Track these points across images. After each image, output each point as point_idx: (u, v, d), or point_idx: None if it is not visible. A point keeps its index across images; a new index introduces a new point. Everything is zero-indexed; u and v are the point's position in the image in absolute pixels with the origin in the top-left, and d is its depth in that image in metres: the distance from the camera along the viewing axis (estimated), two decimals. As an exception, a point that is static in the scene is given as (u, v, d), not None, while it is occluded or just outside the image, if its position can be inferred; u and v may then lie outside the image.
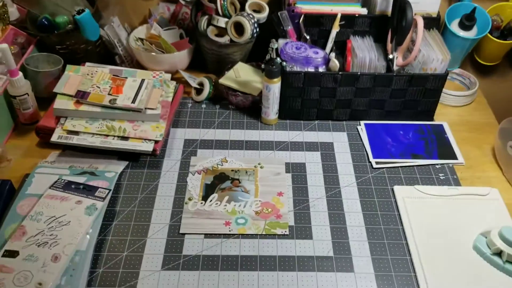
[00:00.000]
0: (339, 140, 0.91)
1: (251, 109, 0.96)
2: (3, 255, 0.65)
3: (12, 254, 0.65)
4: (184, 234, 0.73)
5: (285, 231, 0.74)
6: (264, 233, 0.74)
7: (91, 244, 0.68)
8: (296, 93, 0.91)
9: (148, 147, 0.84)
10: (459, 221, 0.77)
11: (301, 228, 0.75)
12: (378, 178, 0.83)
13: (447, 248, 0.73)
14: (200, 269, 0.68)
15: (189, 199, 0.78)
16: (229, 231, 0.74)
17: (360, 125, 0.95)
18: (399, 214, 0.77)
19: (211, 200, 0.78)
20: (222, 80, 0.96)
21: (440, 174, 0.85)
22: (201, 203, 0.78)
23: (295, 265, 0.69)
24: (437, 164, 0.87)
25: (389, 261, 0.70)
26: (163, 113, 0.90)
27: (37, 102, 0.90)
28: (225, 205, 0.78)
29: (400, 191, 0.81)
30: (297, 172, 0.84)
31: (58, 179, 0.77)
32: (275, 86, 0.88)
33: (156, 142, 0.85)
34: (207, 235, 0.73)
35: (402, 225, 0.75)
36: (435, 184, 0.82)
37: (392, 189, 0.81)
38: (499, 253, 0.71)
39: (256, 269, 0.69)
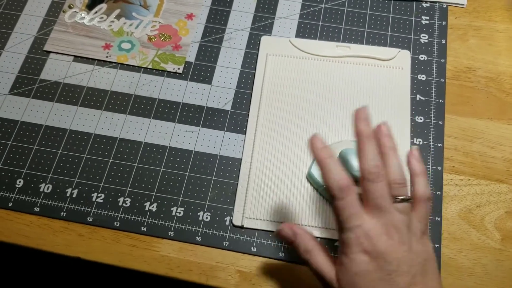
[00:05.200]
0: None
1: None
2: None
3: None
4: (49, 52, 0.51)
5: (179, 69, 0.51)
6: (150, 66, 0.51)
7: None
8: None
9: None
10: (328, 105, 0.48)
11: (201, 68, 0.51)
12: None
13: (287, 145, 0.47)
14: (55, 101, 0.49)
15: (69, 7, 0.54)
16: (106, 57, 0.51)
17: None
18: (254, 75, 0.50)
19: (96, 12, 0.55)
20: None
21: (424, 17, 0.55)
22: (83, 14, 0.54)
23: (176, 114, 0.48)
24: (425, 1, 0.57)
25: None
26: None
27: None
28: (112, 22, 0.53)
29: (267, 44, 0.51)
30: (225, -12, 0.57)
31: None
32: None
33: None
34: (77, 58, 0.51)
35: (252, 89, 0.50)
36: (406, 31, 0.52)
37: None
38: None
39: (124, 112, 0.48)
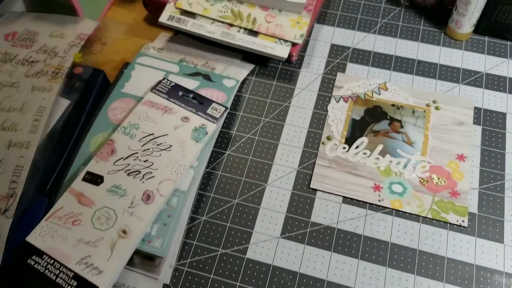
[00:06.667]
0: None
1: (434, 10, 0.58)
2: (85, 179, 0.44)
3: (96, 179, 0.43)
4: (315, 190, 0.48)
5: (463, 221, 0.45)
6: (429, 216, 0.45)
7: (195, 182, 0.45)
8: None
9: (283, 51, 0.53)
10: None
11: (487, 221, 0.44)
12: None
13: None
14: (332, 250, 0.44)
15: (328, 139, 0.50)
16: (379, 200, 0.47)
17: None
18: None
19: (357, 146, 0.50)
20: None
21: None
22: (344, 147, 0.51)
23: (472, 279, 0.41)
24: None
25: None
26: (308, 1, 0.58)
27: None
28: (377, 158, 0.49)
29: None
30: (492, 126, 0.50)
31: (163, 79, 0.52)
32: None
33: (293, 44, 0.55)
34: (346, 199, 0.46)
35: None
36: None
37: None
38: None
39: (411, 271, 0.42)
